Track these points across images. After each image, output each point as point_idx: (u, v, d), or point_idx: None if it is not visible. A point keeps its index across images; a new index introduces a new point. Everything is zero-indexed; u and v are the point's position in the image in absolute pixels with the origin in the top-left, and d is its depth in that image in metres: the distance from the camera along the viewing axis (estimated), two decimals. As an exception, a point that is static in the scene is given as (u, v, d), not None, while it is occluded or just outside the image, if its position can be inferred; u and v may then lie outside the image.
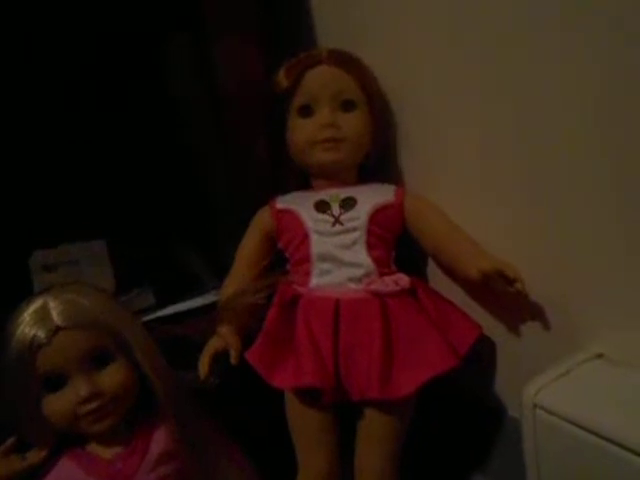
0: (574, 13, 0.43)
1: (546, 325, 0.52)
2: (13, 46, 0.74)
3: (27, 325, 0.48)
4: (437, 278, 0.61)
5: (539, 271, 0.51)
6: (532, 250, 0.52)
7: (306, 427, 0.54)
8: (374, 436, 0.53)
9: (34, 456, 0.50)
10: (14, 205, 0.78)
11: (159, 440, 0.52)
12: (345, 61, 0.59)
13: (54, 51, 0.76)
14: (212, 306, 0.64)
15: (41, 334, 0.48)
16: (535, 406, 0.44)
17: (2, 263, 0.71)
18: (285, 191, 0.62)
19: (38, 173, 0.79)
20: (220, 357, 0.55)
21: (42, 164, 0.80)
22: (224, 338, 0.55)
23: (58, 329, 0.48)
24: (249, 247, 0.60)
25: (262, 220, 0.61)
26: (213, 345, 0.55)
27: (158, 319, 0.68)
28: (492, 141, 0.53)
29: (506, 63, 0.49)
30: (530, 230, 0.51)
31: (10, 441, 0.51)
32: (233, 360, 0.54)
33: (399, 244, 0.59)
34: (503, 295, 0.53)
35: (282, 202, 0.60)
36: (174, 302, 0.71)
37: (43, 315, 0.48)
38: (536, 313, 0.52)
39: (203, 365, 0.54)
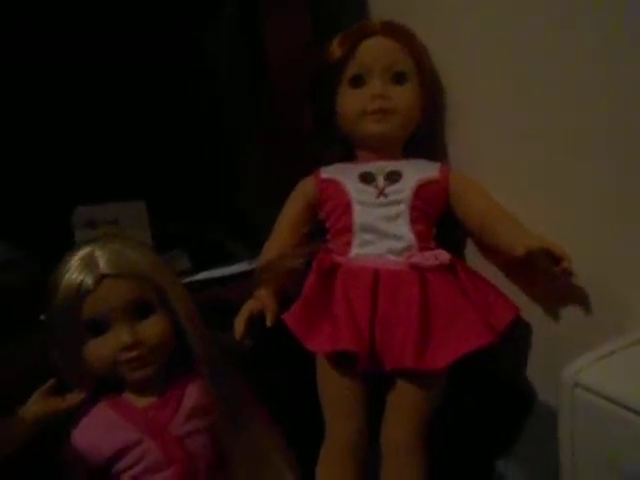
0: None
1: (587, 309, 0.51)
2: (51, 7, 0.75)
3: (75, 271, 0.50)
4: (476, 260, 0.61)
5: (582, 253, 0.50)
6: (577, 231, 0.51)
7: (337, 395, 0.55)
8: (404, 408, 0.53)
9: (73, 398, 0.52)
10: (60, 162, 0.80)
11: (192, 394, 0.53)
12: (399, 34, 0.59)
13: (99, 19, 0.78)
14: (246, 274, 0.65)
15: (88, 280, 0.49)
16: (575, 385, 0.43)
17: (46, 219, 0.73)
18: (327, 162, 0.62)
19: (87, 137, 0.81)
20: (256, 319, 0.55)
21: (92, 133, 0.81)
22: (261, 300, 0.56)
23: (104, 277, 0.49)
24: (291, 214, 0.61)
25: (305, 188, 0.61)
26: (250, 307, 0.56)
27: (193, 283, 0.68)
28: (535, 127, 0.52)
29: (556, 50, 0.48)
30: (574, 210, 0.51)
31: (51, 382, 0.52)
32: (269, 322, 0.55)
33: (440, 225, 0.59)
34: (542, 278, 0.52)
35: (326, 172, 0.61)
36: (208, 270, 0.72)
37: (90, 262, 0.50)
38: (577, 296, 0.51)
39: (239, 326, 0.55)
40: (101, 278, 0.49)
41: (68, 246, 0.64)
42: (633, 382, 0.41)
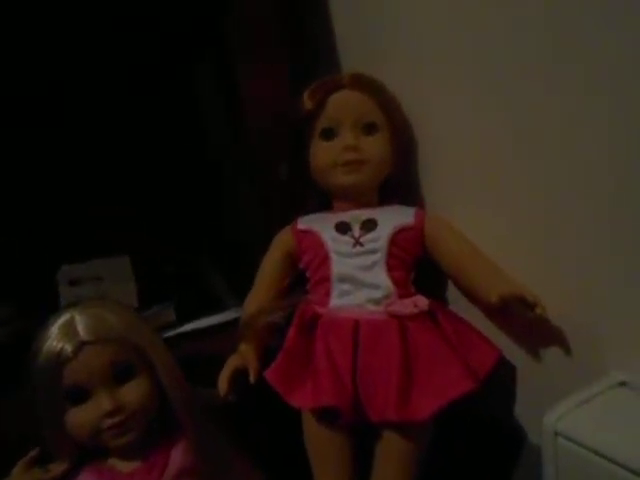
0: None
1: (568, 351, 0.51)
2: (49, 62, 0.77)
3: (54, 339, 0.50)
4: (457, 301, 0.61)
5: (561, 296, 0.50)
6: (553, 275, 0.51)
7: (323, 447, 0.54)
8: (391, 458, 0.53)
9: (56, 468, 0.51)
10: (43, 221, 0.81)
11: (178, 456, 0.53)
12: (368, 85, 0.60)
13: (85, 76, 0.79)
14: (232, 323, 0.65)
15: (68, 348, 0.49)
16: (556, 434, 0.43)
17: (31, 277, 0.73)
18: (306, 212, 0.63)
19: (70, 190, 0.82)
20: (239, 375, 0.55)
21: (74, 182, 0.82)
22: (243, 356, 0.56)
23: (83, 344, 0.49)
24: (270, 266, 0.61)
25: (283, 240, 0.61)
26: (232, 363, 0.56)
27: (178, 336, 0.69)
28: (513, 167, 0.53)
29: (528, 90, 0.49)
30: (551, 255, 0.51)
31: (33, 452, 0.52)
32: (252, 379, 0.54)
33: (419, 266, 0.60)
34: (524, 319, 0.52)
35: (303, 223, 0.61)
36: (194, 319, 0.72)
37: (70, 329, 0.50)
38: (557, 338, 0.51)
39: (222, 383, 0.55)
40: (81, 345, 0.49)
41: (53, 303, 0.65)
42: (611, 430, 0.42)
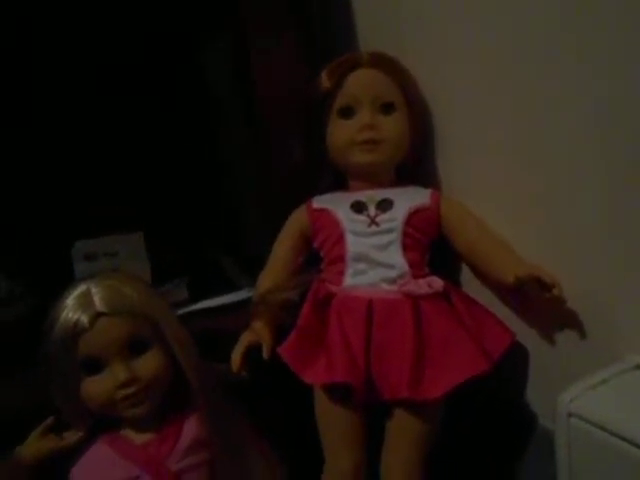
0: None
1: (582, 334, 0.51)
2: (53, 47, 0.77)
3: (71, 310, 0.50)
4: (471, 284, 0.61)
5: (577, 278, 0.50)
6: (570, 258, 0.51)
7: (334, 425, 0.55)
8: (402, 437, 0.53)
9: (71, 436, 0.52)
10: (60, 198, 0.81)
11: (190, 429, 0.53)
12: (386, 64, 0.60)
13: (96, 52, 0.79)
14: (244, 303, 0.66)
15: (84, 319, 0.49)
16: (570, 414, 0.43)
17: (48, 252, 0.74)
18: (320, 193, 0.63)
19: (85, 170, 0.83)
20: (252, 351, 0.56)
21: (90, 164, 0.83)
22: (257, 332, 0.56)
23: (99, 315, 0.50)
24: (285, 245, 0.61)
25: (298, 219, 0.61)
26: (246, 339, 0.56)
27: (191, 313, 0.69)
28: (528, 149, 0.52)
29: (548, 76, 0.49)
30: (568, 237, 0.51)
31: (49, 420, 0.52)
32: (265, 354, 0.55)
33: (434, 249, 0.60)
34: (539, 302, 0.52)
35: (319, 202, 0.61)
36: (207, 298, 0.72)
37: (86, 301, 0.50)
38: (573, 321, 0.51)
39: (235, 358, 0.55)
40: (97, 316, 0.50)
41: (68, 279, 0.65)
42: (627, 412, 0.41)
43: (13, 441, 0.51)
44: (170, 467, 0.51)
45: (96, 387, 0.50)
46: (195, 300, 0.72)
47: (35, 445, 0.51)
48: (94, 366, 0.50)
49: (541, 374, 0.57)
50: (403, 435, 0.53)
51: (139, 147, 0.86)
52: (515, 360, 0.56)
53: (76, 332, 0.49)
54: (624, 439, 0.39)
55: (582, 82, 0.46)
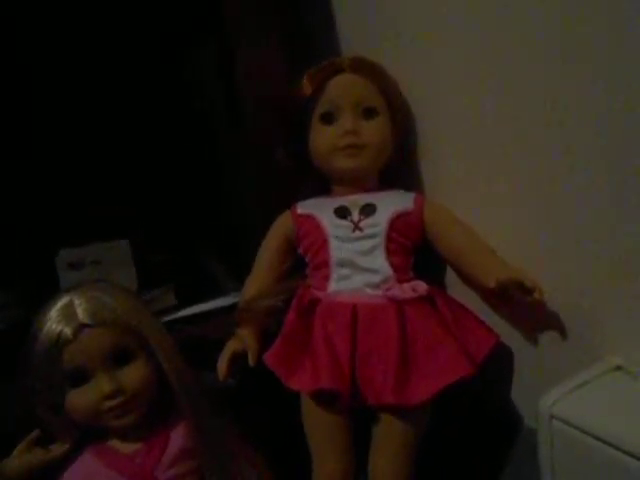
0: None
1: (564, 335, 0.52)
2: (41, 52, 0.77)
3: (54, 322, 0.50)
4: (455, 286, 0.61)
5: (559, 281, 0.51)
6: (551, 261, 0.51)
7: (321, 430, 0.55)
8: (388, 441, 0.53)
9: (57, 449, 0.52)
10: (43, 205, 0.81)
11: (177, 437, 0.53)
12: (367, 69, 0.59)
13: (84, 56, 0.79)
14: (232, 308, 0.65)
15: (67, 331, 0.49)
16: (552, 417, 0.44)
17: (31, 260, 0.73)
18: (304, 197, 0.63)
19: (68, 175, 0.82)
20: (238, 358, 0.56)
21: (72, 167, 0.82)
22: (243, 340, 0.56)
23: (83, 326, 0.50)
24: (269, 251, 0.61)
25: (282, 225, 0.61)
26: (232, 346, 0.56)
27: (178, 319, 0.69)
28: (513, 154, 0.53)
29: (532, 76, 0.49)
30: (549, 241, 0.51)
31: (34, 433, 0.52)
32: (251, 362, 0.55)
33: (418, 252, 0.60)
34: (522, 304, 0.53)
35: (303, 207, 0.61)
36: (194, 303, 0.72)
37: (69, 312, 0.50)
38: (555, 323, 0.52)
39: (221, 366, 0.55)
40: (80, 328, 0.49)
41: (53, 289, 0.65)
42: (609, 414, 0.42)
43: (-1, 454, 0.51)
44: (158, 477, 0.51)
45: (81, 399, 0.50)
46: (183, 306, 0.72)
47: (20, 459, 0.51)
48: (79, 378, 0.50)
49: (525, 375, 0.57)
50: (390, 438, 0.53)
51: (124, 153, 0.85)
52: (500, 362, 0.57)
53: (60, 344, 0.49)
54: (605, 442, 0.40)
55: (566, 83, 0.46)
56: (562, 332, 0.52)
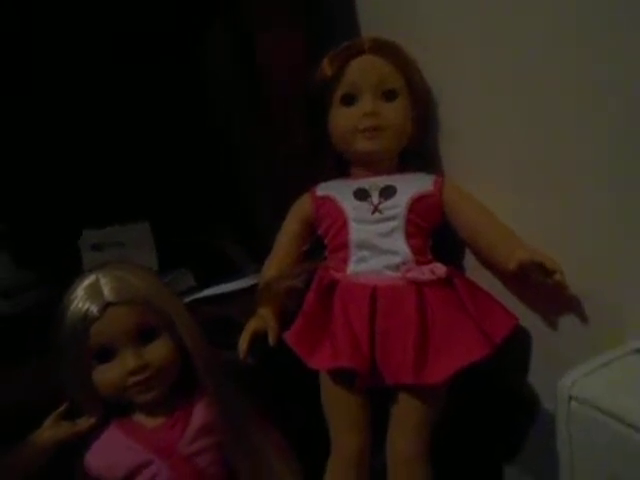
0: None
1: (584, 318, 0.52)
2: (56, 35, 0.77)
3: (80, 300, 0.51)
4: (474, 269, 0.61)
5: (579, 263, 0.50)
6: (572, 242, 0.51)
7: (339, 408, 0.56)
8: (406, 421, 0.54)
9: (84, 422, 0.53)
10: (67, 187, 0.82)
11: (199, 413, 0.54)
12: (388, 51, 0.59)
13: (95, 34, 0.79)
14: (251, 289, 0.66)
15: (93, 309, 0.50)
16: (570, 398, 0.44)
17: (55, 242, 0.75)
18: (323, 179, 0.63)
19: (91, 159, 0.83)
20: (259, 338, 0.57)
21: (96, 151, 0.83)
22: (263, 319, 0.57)
23: (108, 305, 0.51)
24: (289, 232, 0.62)
25: (302, 207, 0.62)
26: (252, 326, 0.57)
27: (198, 300, 0.70)
28: (534, 136, 0.52)
29: (553, 60, 0.48)
30: (570, 222, 0.51)
31: (62, 407, 0.54)
32: (271, 341, 0.56)
33: (437, 234, 0.60)
34: (541, 287, 0.53)
35: (322, 189, 0.62)
36: (213, 285, 0.73)
37: (95, 291, 0.51)
38: (575, 305, 0.52)
39: (242, 345, 0.56)
40: (106, 306, 0.51)
41: (76, 269, 0.66)
42: (628, 395, 0.42)
43: (26, 429, 0.53)
44: (181, 451, 0.53)
45: (107, 375, 0.52)
46: (201, 287, 0.73)
47: (50, 431, 0.53)
48: (105, 354, 0.51)
49: (543, 357, 0.57)
50: (408, 417, 0.54)
51: (145, 136, 0.86)
52: (518, 343, 0.57)
53: (86, 322, 0.50)
54: (624, 422, 0.40)
55: (583, 65, 0.46)
56: (581, 315, 0.52)
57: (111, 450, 0.53)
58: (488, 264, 0.58)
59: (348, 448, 0.55)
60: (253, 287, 0.65)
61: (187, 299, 0.69)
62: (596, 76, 0.45)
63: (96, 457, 0.53)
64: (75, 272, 0.56)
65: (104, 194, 0.84)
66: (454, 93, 0.60)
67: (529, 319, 0.57)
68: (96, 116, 0.83)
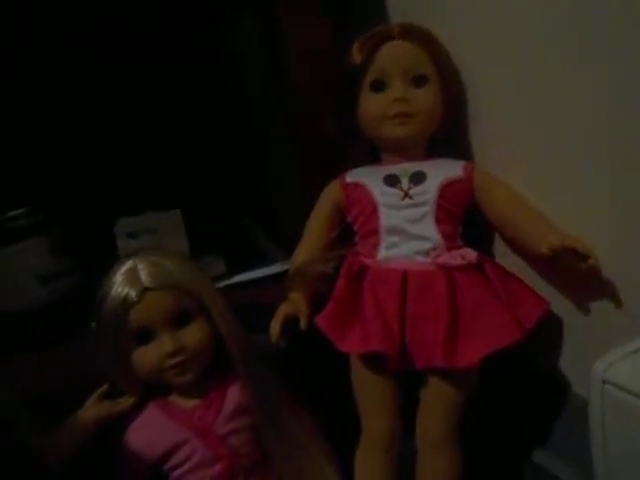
0: None
1: (618, 302, 0.51)
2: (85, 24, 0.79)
3: (120, 285, 0.53)
4: (504, 254, 0.61)
5: (611, 249, 0.50)
6: (604, 229, 0.51)
7: (370, 392, 0.56)
8: (437, 403, 0.55)
9: (124, 402, 0.56)
10: (103, 178, 0.84)
11: (233, 395, 0.56)
12: (418, 36, 0.59)
13: (123, 24, 0.81)
14: (280, 275, 0.68)
15: (132, 293, 0.52)
16: (604, 382, 0.44)
17: (91, 229, 0.77)
18: (352, 166, 0.64)
19: (126, 150, 0.85)
20: (290, 322, 0.58)
21: (129, 143, 0.85)
22: (294, 304, 0.58)
23: (146, 289, 0.53)
24: (319, 219, 0.62)
25: (332, 193, 0.62)
26: (284, 310, 0.58)
27: (229, 286, 0.72)
28: (560, 122, 0.52)
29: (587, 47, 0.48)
30: (600, 208, 0.51)
31: (104, 387, 0.56)
32: (303, 325, 0.57)
33: (468, 220, 0.60)
34: (573, 271, 0.52)
35: (352, 176, 0.62)
36: (243, 272, 0.75)
37: (133, 276, 0.53)
38: (608, 290, 0.51)
39: (274, 329, 0.57)
40: (144, 291, 0.53)
41: (111, 256, 0.68)
42: (661, 379, 0.42)
43: (69, 410, 0.55)
44: (217, 431, 0.54)
45: (146, 356, 0.53)
46: (232, 274, 0.75)
47: (94, 409, 0.55)
48: (144, 337, 0.53)
49: (575, 343, 0.57)
50: (438, 400, 0.54)
51: (177, 127, 0.88)
52: (550, 327, 0.57)
53: (126, 306, 0.52)
54: (658, 406, 0.40)
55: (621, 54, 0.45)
56: (614, 299, 0.51)
57: (150, 429, 0.55)
58: (519, 249, 0.58)
59: (378, 432, 0.56)
60: (282, 274, 0.66)
61: (218, 285, 0.70)
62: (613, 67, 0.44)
63: (136, 435, 0.55)
64: (110, 259, 0.58)
65: (137, 183, 0.86)
66: (485, 78, 0.59)
67: (561, 303, 0.56)
68: (132, 107, 0.85)
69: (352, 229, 0.62)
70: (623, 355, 0.45)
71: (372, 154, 0.64)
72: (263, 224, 0.90)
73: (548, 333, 0.57)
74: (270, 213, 0.89)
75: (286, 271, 0.64)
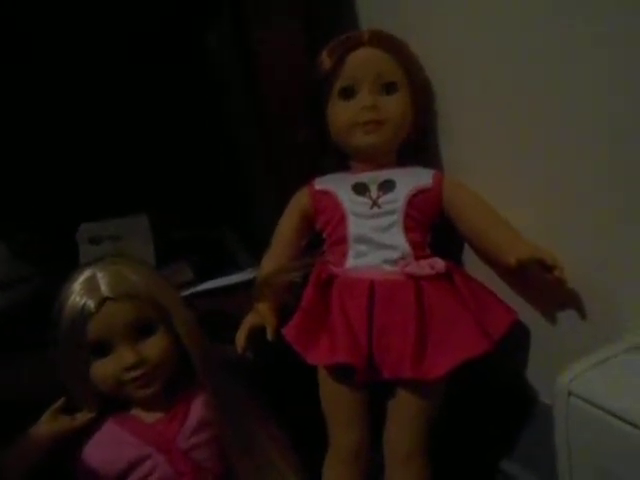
0: None
1: (583, 314, 0.51)
2: (57, 29, 0.76)
3: (77, 294, 0.51)
4: (473, 264, 0.61)
5: (578, 259, 0.50)
6: (570, 239, 0.51)
7: (338, 404, 0.56)
8: (404, 415, 0.54)
9: (82, 417, 0.54)
10: (65, 181, 0.82)
11: (197, 408, 0.55)
12: (387, 43, 0.58)
13: (97, 36, 0.79)
14: (248, 283, 0.66)
15: (90, 304, 0.50)
16: (569, 393, 0.44)
17: (52, 234, 0.75)
18: (322, 173, 0.63)
19: (89, 152, 0.83)
20: (256, 332, 0.56)
21: (93, 143, 0.83)
22: (261, 314, 0.57)
23: (105, 299, 0.51)
24: (287, 227, 0.61)
25: (300, 200, 0.61)
26: (250, 320, 0.57)
27: (196, 294, 0.70)
28: (530, 131, 0.52)
29: (551, 54, 0.48)
30: (567, 219, 0.51)
31: (60, 402, 0.54)
32: (269, 336, 0.56)
33: (436, 229, 0.60)
34: (540, 282, 0.52)
35: (320, 183, 0.61)
36: (211, 279, 0.73)
37: (92, 285, 0.51)
38: (574, 301, 0.51)
39: (240, 340, 0.56)
40: (103, 301, 0.51)
41: (73, 262, 0.66)
42: (626, 391, 0.42)
43: (24, 423, 0.53)
44: (180, 445, 0.53)
45: (105, 370, 0.52)
46: (200, 281, 0.73)
47: (47, 425, 0.53)
48: (102, 349, 0.52)
49: (541, 352, 0.57)
50: (406, 412, 0.54)
51: (143, 130, 0.85)
52: (516, 338, 0.57)
53: (83, 316, 0.50)
54: (623, 419, 0.40)
55: (584, 63, 0.45)
56: (580, 310, 0.52)
57: (109, 444, 0.53)
58: (488, 259, 0.58)
59: (346, 444, 0.55)
60: (250, 281, 0.65)
61: (185, 292, 0.69)
62: (597, 75, 0.45)
63: (94, 451, 0.53)
64: (72, 265, 0.56)
65: (101, 187, 0.83)
66: (455, 86, 0.59)
67: (528, 314, 0.56)
68: (96, 111, 0.83)
69: (321, 237, 0.61)
70: (588, 366, 0.45)
71: (341, 161, 0.63)
72: (241, 231, 0.89)
73: (515, 343, 0.57)
74: (242, 220, 0.88)
75: (255, 278, 0.63)
